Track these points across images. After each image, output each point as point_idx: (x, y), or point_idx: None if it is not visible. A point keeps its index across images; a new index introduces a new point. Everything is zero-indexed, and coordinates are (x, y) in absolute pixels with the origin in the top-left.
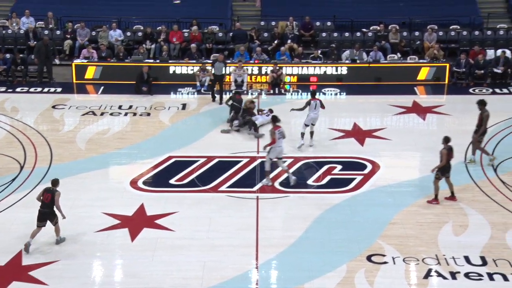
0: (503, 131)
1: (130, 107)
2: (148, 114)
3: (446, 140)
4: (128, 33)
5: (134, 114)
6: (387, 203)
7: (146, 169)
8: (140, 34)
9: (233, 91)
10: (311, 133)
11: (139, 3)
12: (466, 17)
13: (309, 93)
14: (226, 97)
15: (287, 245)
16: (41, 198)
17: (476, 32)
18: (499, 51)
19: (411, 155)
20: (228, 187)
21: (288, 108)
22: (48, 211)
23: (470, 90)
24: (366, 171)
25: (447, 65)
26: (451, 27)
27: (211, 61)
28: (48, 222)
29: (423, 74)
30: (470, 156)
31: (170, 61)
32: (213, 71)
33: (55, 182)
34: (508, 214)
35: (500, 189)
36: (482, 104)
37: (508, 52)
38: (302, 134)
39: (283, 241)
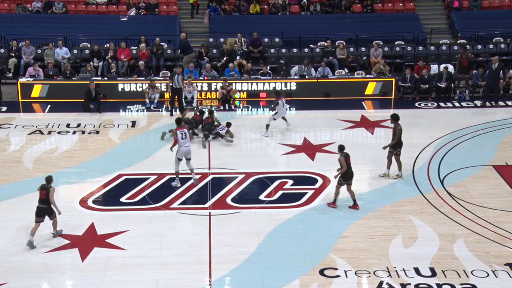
0: (448, 144)
1: (79, 125)
2: (97, 132)
3: (341, 148)
4: (75, 51)
5: (83, 132)
6: (338, 217)
7: (96, 187)
8: (87, 51)
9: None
10: (284, 117)
11: (86, 21)
12: (410, 33)
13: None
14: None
15: (240, 261)
16: (39, 195)
17: (420, 48)
18: (442, 66)
19: (360, 169)
20: (180, 204)
21: (238, 123)
22: (45, 207)
23: (416, 104)
24: (317, 186)
25: (393, 80)
26: (396, 43)
27: (161, 78)
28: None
29: (370, 89)
30: (397, 172)
31: (118, 79)
32: (171, 84)
33: (48, 179)
34: (455, 225)
35: (447, 200)
36: (394, 118)
37: (450, 67)
38: (267, 126)
39: (236, 257)
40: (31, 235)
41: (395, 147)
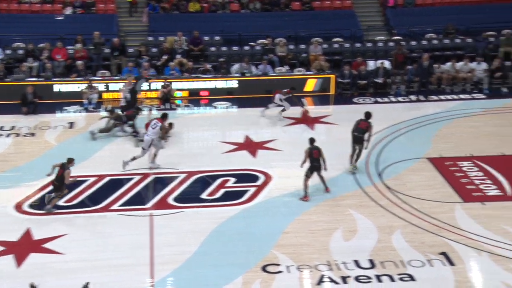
0: (385, 139)
1: (13, 127)
2: (33, 134)
3: (311, 141)
4: (8, 51)
5: (17, 134)
6: (280, 213)
7: (32, 191)
8: (21, 51)
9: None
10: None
11: (19, 20)
12: (348, 30)
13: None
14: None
15: (183, 261)
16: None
17: (358, 44)
18: (378, 62)
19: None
20: (120, 205)
21: (180, 122)
22: (57, 184)
23: (355, 100)
24: (259, 183)
25: (333, 76)
26: (334, 40)
27: (99, 78)
28: None
29: (310, 85)
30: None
31: (54, 79)
32: (136, 87)
33: (69, 160)
34: (393, 217)
35: (385, 194)
36: (368, 115)
37: (386, 63)
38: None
39: (179, 257)
40: (51, 206)
41: (359, 142)
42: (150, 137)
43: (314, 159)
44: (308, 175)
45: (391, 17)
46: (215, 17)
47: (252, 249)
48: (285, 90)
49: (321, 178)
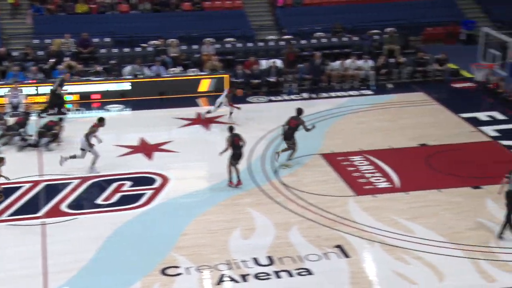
0: (281, 136)
1: None
2: None
3: (230, 129)
4: None
5: None
6: (178, 215)
7: None
8: None
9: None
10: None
11: None
12: (239, 30)
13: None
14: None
15: (78, 268)
16: None
17: (250, 44)
18: (270, 61)
19: (199, 166)
20: (10, 215)
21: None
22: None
23: (248, 99)
24: (156, 185)
25: (226, 76)
26: (226, 40)
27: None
28: None
29: (204, 85)
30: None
31: None
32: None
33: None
34: (289, 213)
35: (282, 190)
36: (299, 112)
37: (278, 62)
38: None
39: (74, 265)
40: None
41: (288, 138)
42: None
43: (236, 146)
44: (232, 163)
45: (281, 17)
46: (104, 18)
47: (150, 253)
48: (226, 90)
49: (236, 170)
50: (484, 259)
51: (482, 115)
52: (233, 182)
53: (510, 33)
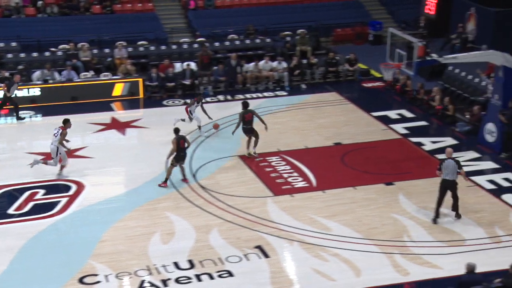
0: (198, 138)
1: None
2: None
3: (176, 131)
4: None
5: None
6: (95, 222)
7: None
8: None
9: None
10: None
11: None
12: (152, 33)
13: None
14: None
15: None
16: None
17: (163, 47)
18: (184, 64)
19: (115, 171)
20: None
21: None
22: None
23: (164, 102)
24: (71, 193)
25: (140, 80)
26: (139, 43)
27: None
28: None
29: (118, 90)
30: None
31: None
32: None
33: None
34: (209, 216)
35: (200, 193)
36: (246, 105)
37: (192, 64)
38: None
39: None
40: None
41: (250, 132)
42: (54, 145)
43: (181, 148)
44: (173, 164)
45: (193, 19)
46: (10, 22)
47: (66, 262)
48: (192, 100)
49: (182, 168)
50: (398, 253)
51: (392, 113)
52: (167, 183)
53: (414, 33)
